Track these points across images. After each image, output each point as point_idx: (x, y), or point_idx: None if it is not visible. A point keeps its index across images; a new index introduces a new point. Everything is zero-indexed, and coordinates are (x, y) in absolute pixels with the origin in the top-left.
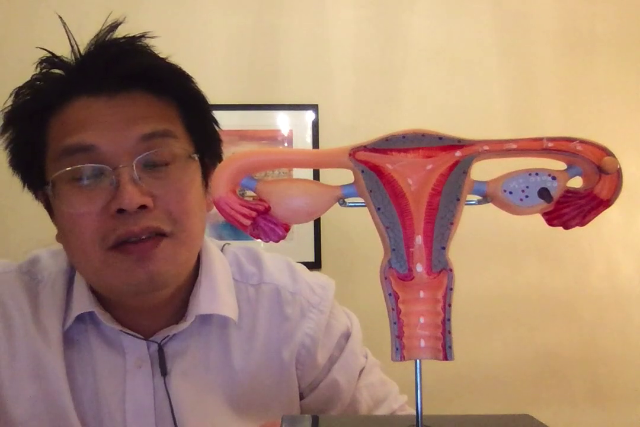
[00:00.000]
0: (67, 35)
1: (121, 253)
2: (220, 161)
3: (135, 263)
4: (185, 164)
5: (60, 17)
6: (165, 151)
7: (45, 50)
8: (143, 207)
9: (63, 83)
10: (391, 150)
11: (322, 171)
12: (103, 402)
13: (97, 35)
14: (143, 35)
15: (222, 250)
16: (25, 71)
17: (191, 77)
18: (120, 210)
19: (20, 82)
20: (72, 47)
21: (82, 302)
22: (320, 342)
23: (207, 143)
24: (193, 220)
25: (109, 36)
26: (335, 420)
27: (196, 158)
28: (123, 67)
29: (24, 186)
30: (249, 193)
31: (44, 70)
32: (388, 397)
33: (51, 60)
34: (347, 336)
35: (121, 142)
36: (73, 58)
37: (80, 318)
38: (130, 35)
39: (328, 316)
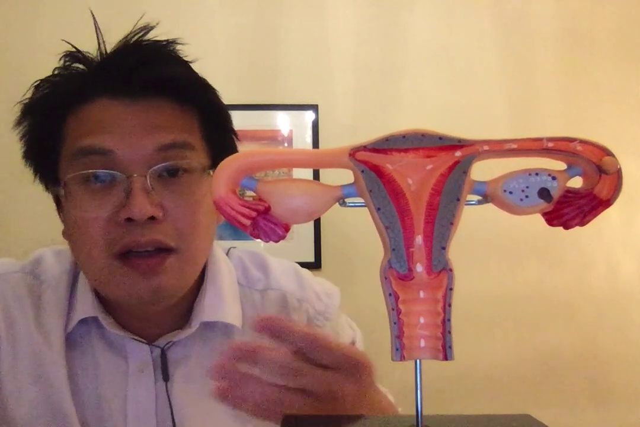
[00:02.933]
0: (96, 32)
1: (126, 265)
2: None
3: (139, 277)
4: (200, 177)
5: (92, 13)
6: (181, 163)
7: (70, 44)
8: (152, 218)
9: (85, 81)
10: (391, 150)
11: (322, 171)
12: (104, 405)
13: (127, 36)
14: (173, 41)
15: (227, 253)
16: (30, 67)
17: (215, 89)
18: (129, 219)
19: (24, 77)
20: (99, 44)
21: (86, 306)
22: None
23: (224, 156)
24: (201, 235)
25: (138, 38)
26: (335, 420)
27: (211, 173)
28: (149, 72)
29: (35, 178)
30: (249, 193)
31: (67, 64)
32: None
33: (76, 56)
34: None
35: (138, 150)
36: (98, 56)
37: (83, 320)
38: (162, 40)
39: (334, 324)
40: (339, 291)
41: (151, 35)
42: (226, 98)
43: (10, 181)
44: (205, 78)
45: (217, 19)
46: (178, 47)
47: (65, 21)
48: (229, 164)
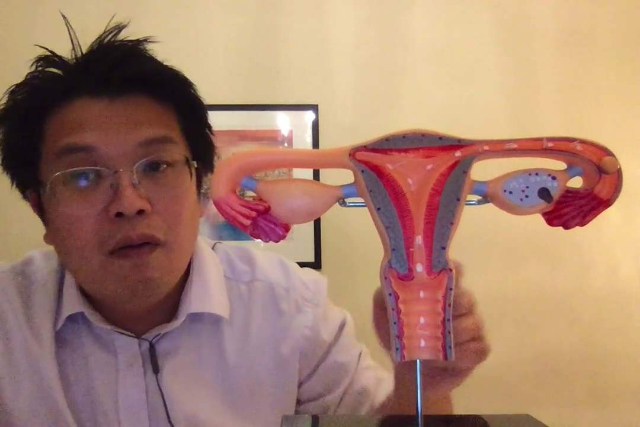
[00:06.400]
0: (69, 33)
1: (119, 258)
2: (212, 167)
3: (131, 269)
4: (182, 169)
5: (63, 16)
6: (164, 157)
7: (45, 48)
8: (141, 211)
9: (63, 82)
10: (391, 150)
11: (322, 171)
12: (96, 400)
13: (101, 36)
14: (146, 40)
15: (213, 248)
16: (22, 71)
17: (192, 83)
18: (119, 214)
19: (9, 81)
20: (73, 46)
21: (72, 302)
22: (321, 328)
23: (202, 149)
24: (186, 227)
25: (112, 38)
26: (335, 420)
27: (195, 165)
28: (126, 70)
29: (12, 185)
30: (249, 193)
31: (40, 68)
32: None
33: (50, 59)
34: (342, 326)
35: (121, 146)
36: (74, 57)
37: (72, 318)
38: (134, 38)
39: (324, 309)
40: (327, 280)
41: (152, 36)
42: (226, 98)
43: (8, 182)
44: (206, 78)
45: (217, 19)
46: (153, 44)
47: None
48: (229, 164)
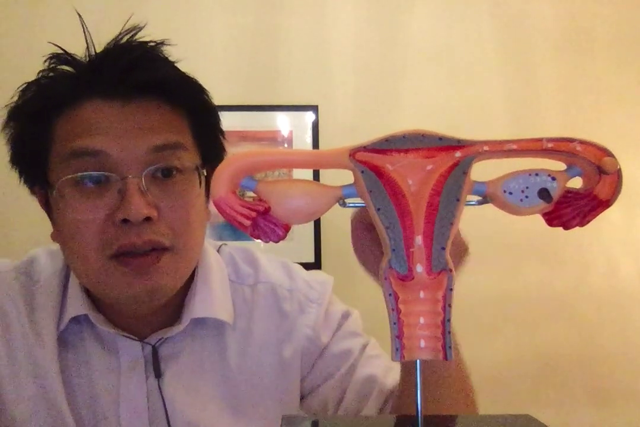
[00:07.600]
0: (84, 33)
1: (122, 265)
2: None
3: (135, 276)
4: (192, 176)
5: (79, 15)
6: (175, 163)
7: (57, 46)
8: (148, 219)
9: (75, 82)
10: (391, 150)
11: (322, 171)
12: (98, 403)
13: (116, 37)
14: (162, 43)
15: (218, 250)
16: (26, 69)
17: (205, 89)
18: (125, 220)
19: (20, 79)
20: (87, 45)
21: (77, 304)
22: (322, 327)
23: (213, 155)
24: (194, 234)
25: (130, 39)
26: (335, 420)
27: (205, 173)
28: (141, 73)
29: (20, 180)
30: (249, 193)
31: (52, 66)
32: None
33: (62, 57)
34: (346, 316)
35: (132, 151)
36: (87, 57)
37: (75, 319)
38: (150, 41)
39: (326, 306)
40: (333, 279)
41: (152, 37)
42: (226, 99)
43: (10, 181)
44: (205, 78)
45: (217, 20)
46: (167, 48)
47: (57, 23)
48: (228, 165)
